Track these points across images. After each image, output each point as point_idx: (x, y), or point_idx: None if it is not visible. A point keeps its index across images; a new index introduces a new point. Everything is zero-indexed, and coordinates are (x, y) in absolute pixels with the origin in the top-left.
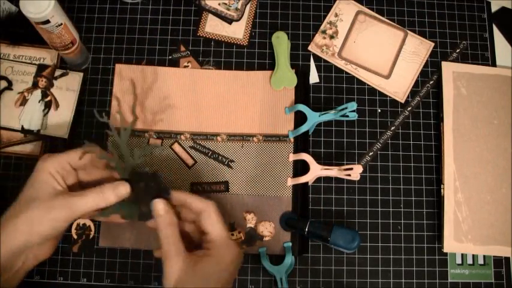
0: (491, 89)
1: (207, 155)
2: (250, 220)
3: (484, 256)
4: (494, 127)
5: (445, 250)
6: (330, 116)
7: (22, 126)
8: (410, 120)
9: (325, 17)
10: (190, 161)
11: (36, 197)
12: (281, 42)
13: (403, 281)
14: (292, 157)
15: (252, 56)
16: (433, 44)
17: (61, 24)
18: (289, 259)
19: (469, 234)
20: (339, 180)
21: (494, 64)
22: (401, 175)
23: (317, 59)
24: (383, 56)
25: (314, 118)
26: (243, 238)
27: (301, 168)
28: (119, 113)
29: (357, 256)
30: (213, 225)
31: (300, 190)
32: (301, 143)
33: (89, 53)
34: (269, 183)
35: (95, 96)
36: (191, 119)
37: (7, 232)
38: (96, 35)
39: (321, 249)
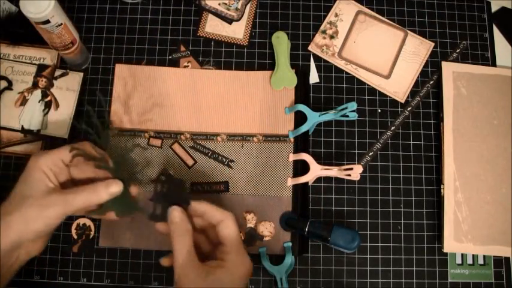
0: (491, 89)
1: (207, 155)
2: (250, 220)
3: (484, 256)
4: (494, 127)
5: (445, 250)
6: (330, 116)
7: (22, 126)
8: (410, 120)
9: (325, 17)
10: (190, 161)
11: (30, 195)
12: (281, 42)
13: (403, 281)
14: (292, 157)
15: (252, 56)
16: (433, 44)
17: (61, 24)
18: (289, 259)
19: (469, 234)
20: (339, 180)
21: (494, 64)
22: (401, 175)
23: (317, 59)
24: (383, 56)
25: (314, 118)
26: (243, 238)
27: (301, 168)
28: (94, 118)
29: (357, 256)
30: (230, 236)
31: (300, 190)
32: (301, 143)
33: (89, 53)
34: (269, 183)
35: (95, 96)
36: (191, 119)
37: (1, 229)
38: (96, 35)
39: (321, 249)
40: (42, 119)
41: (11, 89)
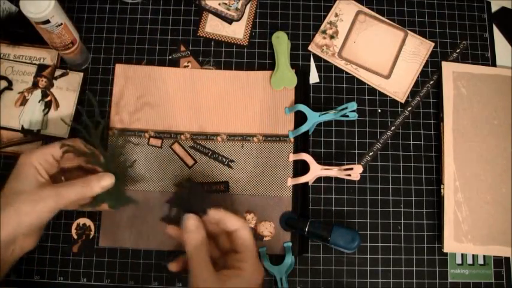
0: (491, 89)
1: (207, 155)
2: (250, 220)
3: (484, 256)
4: (494, 127)
5: (445, 250)
6: (330, 116)
7: (22, 126)
8: (410, 120)
9: (325, 17)
10: (190, 161)
11: (22, 190)
12: (281, 42)
13: (403, 281)
14: (292, 157)
15: (252, 56)
16: (433, 44)
17: (61, 24)
18: (289, 259)
19: (469, 234)
20: (339, 180)
21: (494, 64)
22: (401, 175)
23: (317, 59)
24: (383, 56)
25: (314, 118)
26: None
27: (301, 168)
28: (84, 117)
29: (357, 256)
30: (247, 245)
31: (300, 190)
32: (301, 143)
33: (89, 53)
34: (269, 183)
35: (95, 96)
36: (191, 119)
37: None
38: (96, 35)
39: (321, 249)
40: (42, 119)
41: (11, 89)
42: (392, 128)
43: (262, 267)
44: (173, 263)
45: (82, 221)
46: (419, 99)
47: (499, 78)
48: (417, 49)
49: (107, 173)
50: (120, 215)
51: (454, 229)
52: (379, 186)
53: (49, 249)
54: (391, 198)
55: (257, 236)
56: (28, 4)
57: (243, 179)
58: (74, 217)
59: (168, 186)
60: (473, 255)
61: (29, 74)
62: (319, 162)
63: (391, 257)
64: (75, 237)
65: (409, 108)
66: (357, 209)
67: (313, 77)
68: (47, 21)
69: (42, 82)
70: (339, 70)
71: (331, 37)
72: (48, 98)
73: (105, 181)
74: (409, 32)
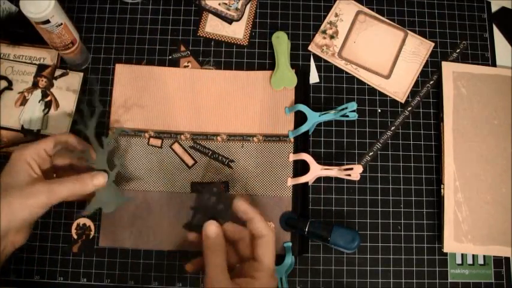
0: (491, 89)
1: (207, 155)
2: None
3: (484, 256)
4: (494, 127)
5: (445, 250)
6: (330, 116)
7: (22, 126)
8: (410, 120)
9: (325, 17)
10: (190, 161)
11: (15, 185)
12: (281, 42)
13: (403, 281)
14: (292, 157)
15: (252, 56)
16: (433, 44)
17: (61, 24)
18: (289, 259)
19: (469, 234)
20: (339, 180)
21: (494, 64)
22: (401, 175)
23: (317, 59)
24: (383, 56)
25: (314, 118)
26: None
27: (301, 168)
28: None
29: (357, 256)
30: (269, 255)
31: (300, 190)
32: (301, 143)
33: (89, 53)
34: (269, 183)
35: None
36: (191, 119)
37: None
38: (96, 35)
39: (321, 249)
40: (42, 119)
41: (11, 89)
42: (392, 128)
43: (278, 279)
44: (190, 263)
45: (82, 221)
46: (419, 99)
47: (499, 78)
48: (417, 49)
49: (101, 172)
50: (120, 215)
51: (454, 229)
52: (379, 186)
53: (49, 249)
54: (391, 198)
55: None
56: (28, 4)
57: (243, 179)
58: (74, 217)
59: (168, 186)
60: (473, 255)
61: (29, 74)
62: (319, 162)
63: (391, 257)
64: (75, 237)
65: (409, 108)
66: (357, 209)
67: (313, 77)
68: (47, 21)
69: (42, 82)
70: (339, 70)
71: (331, 37)
72: (48, 98)
73: (98, 180)
74: (409, 32)
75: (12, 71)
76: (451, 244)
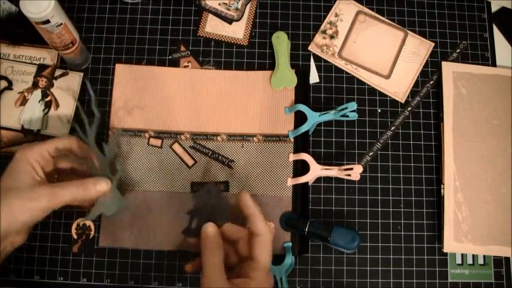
0: (491, 89)
1: (207, 155)
2: None
3: (484, 256)
4: (494, 127)
5: (445, 250)
6: (330, 116)
7: (22, 126)
8: (410, 120)
9: (325, 17)
10: (190, 161)
11: (16, 187)
12: (281, 42)
13: (403, 281)
14: (292, 157)
15: (252, 56)
16: (433, 44)
17: (61, 24)
18: (289, 259)
19: (469, 234)
20: (339, 180)
21: (494, 64)
22: (401, 175)
23: (317, 59)
24: (383, 56)
25: (314, 118)
26: None
27: (301, 168)
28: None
29: (357, 256)
30: (265, 255)
31: (300, 190)
32: (301, 143)
33: (89, 53)
34: (269, 183)
35: (95, 96)
36: (191, 119)
37: None
38: (96, 35)
39: (321, 249)
40: (42, 119)
41: (11, 89)
42: (392, 128)
43: (273, 279)
44: (190, 264)
45: (82, 221)
46: (419, 99)
47: (499, 78)
48: (417, 49)
49: (104, 178)
50: (120, 215)
51: (454, 229)
52: (379, 186)
53: (49, 249)
54: (391, 198)
55: None
56: (28, 4)
57: (243, 179)
58: (74, 217)
59: (168, 186)
60: (473, 255)
61: (29, 74)
62: (319, 162)
63: (391, 257)
64: (75, 237)
65: (409, 108)
66: (357, 209)
67: (313, 77)
68: (47, 21)
69: (42, 82)
70: (339, 70)
71: (331, 37)
72: (48, 98)
73: (101, 186)
74: (409, 32)
75: (12, 71)
76: (451, 244)
